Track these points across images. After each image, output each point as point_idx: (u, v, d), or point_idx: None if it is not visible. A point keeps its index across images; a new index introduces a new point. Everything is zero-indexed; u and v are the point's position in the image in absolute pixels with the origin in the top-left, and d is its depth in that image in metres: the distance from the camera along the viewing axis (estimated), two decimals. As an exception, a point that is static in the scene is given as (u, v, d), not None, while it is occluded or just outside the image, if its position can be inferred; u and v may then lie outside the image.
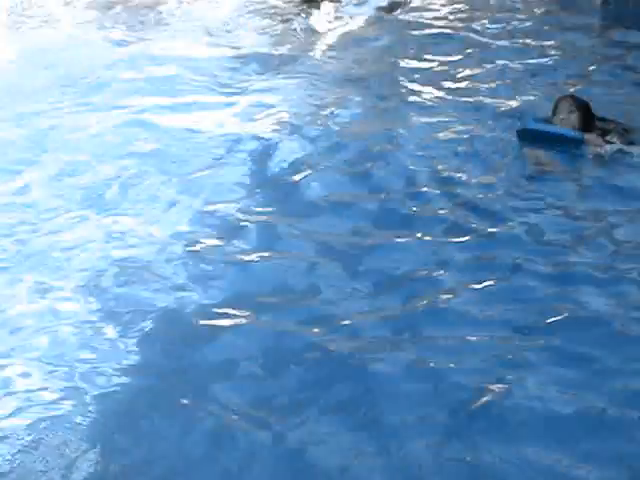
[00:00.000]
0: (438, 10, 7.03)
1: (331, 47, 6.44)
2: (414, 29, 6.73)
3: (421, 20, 6.82)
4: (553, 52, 6.25)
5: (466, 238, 4.09)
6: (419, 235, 4.15)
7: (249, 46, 6.52)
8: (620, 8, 6.53)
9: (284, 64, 6.10)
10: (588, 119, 4.92)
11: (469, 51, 6.24)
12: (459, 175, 4.67)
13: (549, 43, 6.28)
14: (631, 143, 4.79)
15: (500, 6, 7.13)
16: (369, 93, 5.60)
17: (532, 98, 5.48)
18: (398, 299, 3.71)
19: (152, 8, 7.17)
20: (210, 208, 4.44)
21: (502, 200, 4.40)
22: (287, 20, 6.97)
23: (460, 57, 6.15)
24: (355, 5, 7.06)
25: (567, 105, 4.95)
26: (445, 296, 3.69)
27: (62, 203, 4.56)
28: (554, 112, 5.01)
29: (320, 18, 6.92)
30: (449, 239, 4.11)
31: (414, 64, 6.08)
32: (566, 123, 4.92)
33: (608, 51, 6.27)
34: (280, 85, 5.80)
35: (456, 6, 7.09)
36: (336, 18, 6.96)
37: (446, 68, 5.96)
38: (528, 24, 6.61)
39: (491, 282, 3.77)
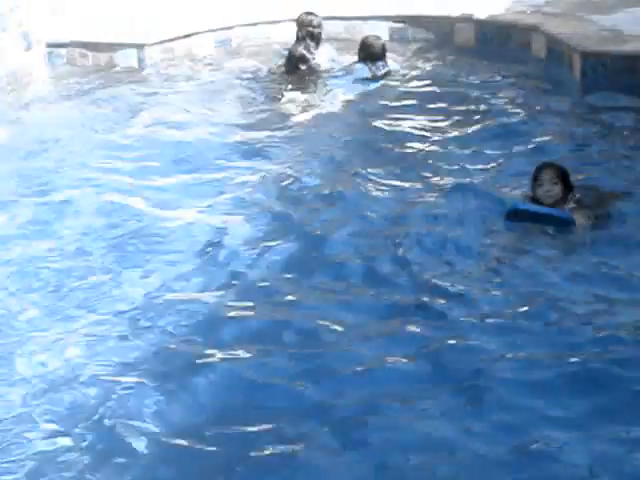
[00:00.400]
0: (419, 79, 7.09)
1: (313, 123, 6.37)
2: (398, 99, 6.74)
3: (404, 89, 6.89)
4: (534, 117, 6.38)
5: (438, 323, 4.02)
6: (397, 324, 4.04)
7: (228, 124, 6.40)
8: (598, 77, 6.68)
9: (265, 144, 5.96)
10: (569, 188, 4.92)
11: (448, 122, 6.24)
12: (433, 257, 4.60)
13: (529, 110, 6.40)
14: (600, 216, 4.89)
15: (485, 72, 7.21)
16: (348, 174, 5.51)
17: (513, 168, 5.48)
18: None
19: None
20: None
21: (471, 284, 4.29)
22: (268, 94, 6.82)
23: (441, 129, 6.17)
24: (340, 77, 7.00)
25: (549, 176, 4.91)
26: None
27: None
28: (535, 181, 4.96)
29: (304, 87, 6.95)
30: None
31: (396, 138, 6.05)
32: (550, 195, 4.87)
33: (586, 115, 6.41)
34: (260, 168, 5.63)
35: (440, 76, 7.17)
36: (319, 90, 6.89)
37: (424, 144, 5.95)
38: (509, 92, 6.73)
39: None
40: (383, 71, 6.83)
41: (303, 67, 6.80)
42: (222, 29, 7.50)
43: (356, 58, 6.91)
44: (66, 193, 5.24)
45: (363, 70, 6.77)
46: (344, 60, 7.06)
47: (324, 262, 4.57)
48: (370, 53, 6.88)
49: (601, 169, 5.46)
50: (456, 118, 6.22)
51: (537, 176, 4.84)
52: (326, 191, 5.35)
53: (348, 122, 6.32)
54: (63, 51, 7.16)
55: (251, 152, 5.86)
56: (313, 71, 6.84)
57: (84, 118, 6.32)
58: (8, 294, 4.32)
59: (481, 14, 7.55)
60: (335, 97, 6.64)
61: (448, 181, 5.37)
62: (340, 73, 6.86)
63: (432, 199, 5.23)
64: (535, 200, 4.83)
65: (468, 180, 5.38)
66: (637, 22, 7.24)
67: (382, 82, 6.80)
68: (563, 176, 4.84)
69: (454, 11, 7.79)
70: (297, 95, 6.64)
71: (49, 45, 7.12)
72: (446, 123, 6.18)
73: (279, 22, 7.52)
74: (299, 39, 6.82)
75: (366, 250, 4.63)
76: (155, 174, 5.54)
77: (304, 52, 6.80)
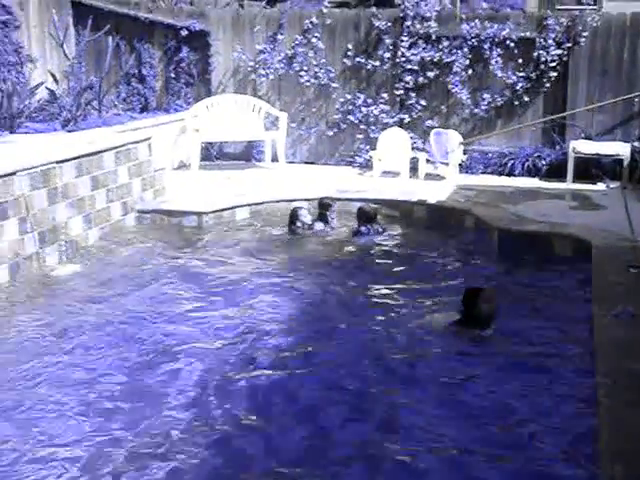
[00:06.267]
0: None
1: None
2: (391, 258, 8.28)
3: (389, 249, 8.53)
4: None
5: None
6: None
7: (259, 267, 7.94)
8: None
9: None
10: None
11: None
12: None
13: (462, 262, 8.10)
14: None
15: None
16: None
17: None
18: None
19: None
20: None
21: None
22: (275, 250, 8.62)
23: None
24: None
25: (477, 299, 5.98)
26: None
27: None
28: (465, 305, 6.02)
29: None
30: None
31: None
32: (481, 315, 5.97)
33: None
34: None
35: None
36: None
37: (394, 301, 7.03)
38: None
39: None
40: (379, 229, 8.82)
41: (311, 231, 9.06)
42: (255, 204, 9.92)
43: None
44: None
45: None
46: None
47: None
48: (368, 217, 8.90)
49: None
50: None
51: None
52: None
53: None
54: (148, 215, 9.70)
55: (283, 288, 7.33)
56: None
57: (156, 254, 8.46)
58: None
59: (431, 200, 9.66)
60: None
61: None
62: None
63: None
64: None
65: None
66: (531, 210, 9.02)
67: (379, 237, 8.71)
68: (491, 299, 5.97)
69: (413, 197, 9.81)
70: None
71: (139, 211, 9.70)
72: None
73: (294, 200, 9.84)
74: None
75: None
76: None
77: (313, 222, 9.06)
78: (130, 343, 6.18)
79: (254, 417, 5.02)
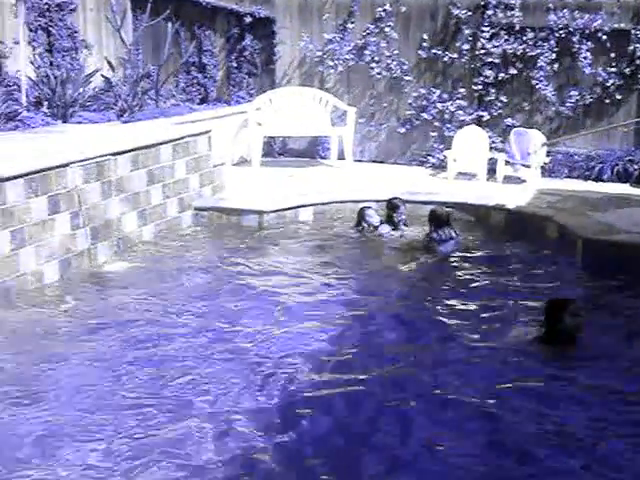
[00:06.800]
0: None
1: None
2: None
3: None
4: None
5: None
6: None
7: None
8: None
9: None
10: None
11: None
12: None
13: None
14: None
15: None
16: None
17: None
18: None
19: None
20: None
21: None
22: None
23: None
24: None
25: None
26: None
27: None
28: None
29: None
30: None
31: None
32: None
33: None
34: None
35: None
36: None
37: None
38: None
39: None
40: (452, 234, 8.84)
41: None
42: (320, 204, 10.02)
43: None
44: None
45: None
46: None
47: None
48: (441, 221, 8.86)
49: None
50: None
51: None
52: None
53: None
54: (206, 213, 9.87)
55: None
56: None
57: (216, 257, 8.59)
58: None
59: (510, 205, 9.68)
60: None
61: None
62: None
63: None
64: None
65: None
66: (622, 219, 8.89)
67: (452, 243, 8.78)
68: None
69: (490, 202, 9.84)
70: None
71: (196, 209, 9.87)
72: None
73: (361, 201, 9.88)
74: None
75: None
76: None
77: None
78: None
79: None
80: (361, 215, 9.44)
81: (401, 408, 5.32)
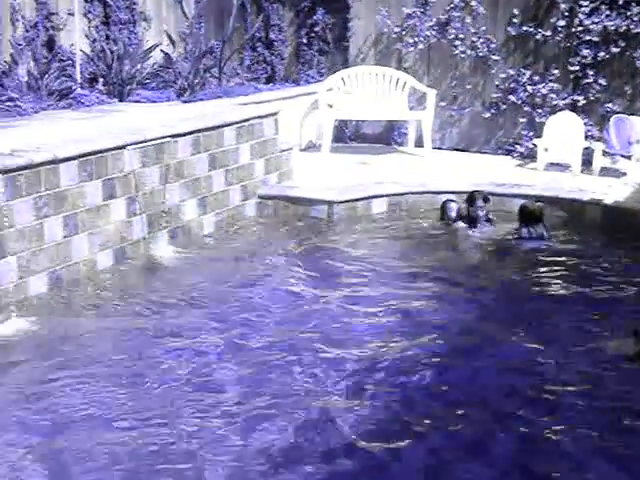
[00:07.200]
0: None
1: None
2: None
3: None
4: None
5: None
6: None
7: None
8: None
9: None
10: None
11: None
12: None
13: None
14: None
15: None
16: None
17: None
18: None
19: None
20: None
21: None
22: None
23: None
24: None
25: None
26: None
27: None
28: None
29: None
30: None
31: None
32: None
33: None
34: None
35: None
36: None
37: None
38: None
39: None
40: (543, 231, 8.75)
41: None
42: (395, 195, 9.88)
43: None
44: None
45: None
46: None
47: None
48: (532, 217, 8.81)
49: None
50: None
51: None
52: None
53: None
54: (271, 202, 9.78)
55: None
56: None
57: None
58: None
59: (608, 200, 9.47)
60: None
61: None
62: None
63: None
64: None
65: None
66: None
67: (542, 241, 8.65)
68: None
69: (585, 196, 9.68)
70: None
71: (261, 197, 9.78)
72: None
73: (441, 193, 9.83)
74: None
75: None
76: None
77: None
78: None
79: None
80: (444, 209, 9.36)
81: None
